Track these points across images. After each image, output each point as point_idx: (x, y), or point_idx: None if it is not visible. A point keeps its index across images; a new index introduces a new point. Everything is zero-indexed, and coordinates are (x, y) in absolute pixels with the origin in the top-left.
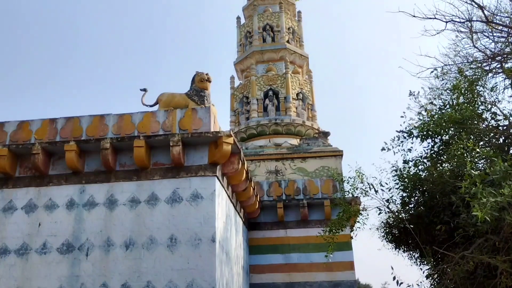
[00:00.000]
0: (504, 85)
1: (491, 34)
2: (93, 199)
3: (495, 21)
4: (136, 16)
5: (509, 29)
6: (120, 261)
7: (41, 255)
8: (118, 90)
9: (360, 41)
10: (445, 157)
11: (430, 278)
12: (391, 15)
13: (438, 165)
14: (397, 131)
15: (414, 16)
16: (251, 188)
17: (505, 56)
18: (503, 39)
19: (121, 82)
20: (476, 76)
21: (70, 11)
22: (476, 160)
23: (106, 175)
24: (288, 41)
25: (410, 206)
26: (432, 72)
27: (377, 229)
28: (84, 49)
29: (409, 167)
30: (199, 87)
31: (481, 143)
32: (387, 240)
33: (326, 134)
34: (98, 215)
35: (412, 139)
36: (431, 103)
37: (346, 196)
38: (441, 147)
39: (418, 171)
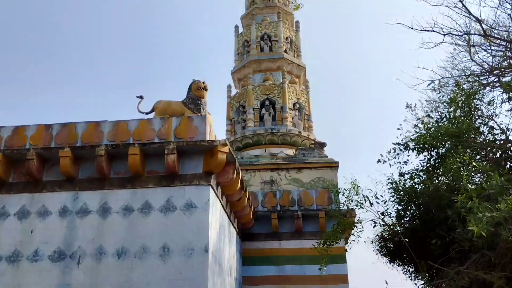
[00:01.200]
0: (502, 99)
1: (489, 47)
2: (87, 207)
3: (493, 34)
4: (132, 22)
5: (507, 43)
6: (112, 270)
7: (33, 263)
8: (114, 96)
9: (358, 52)
10: (441, 170)
11: None
12: (389, 27)
13: (434, 178)
14: (393, 143)
15: (412, 29)
16: (246, 198)
17: (502, 70)
18: (501, 53)
19: (117, 89)
20: (473, 90)
21: (66, 12)
22: (472, 174)
23: (100, 182)
24: (285, 51)
25: (405, 219)
26: (429, 84)
27: (372, 242)
28: (79, 56)
29: (405, 180)
30: (195, 95)
31: (478, 157)
32: (381, 253)
33: (322, 145)
34: (91, 223)
35: (408, 152)
36: (428, 115)
37: (341, 208)
38: (437, 161)
39: (414, 184)
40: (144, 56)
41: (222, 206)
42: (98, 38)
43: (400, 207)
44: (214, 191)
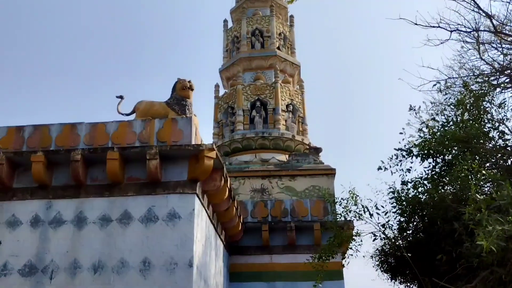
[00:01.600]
0: None
1: (499, 45)
2: (60, 216)
3: (504, 31)
4: (113, 18)
5: None
6: (88, 285)
7: (1, 277)
8: (94, 97)
9: (357, 49)
10: (447, 179)
11: None
12: (391, 22)
13: (440, 187)
14: (395, 149)
15: (416, 24)
16: (234, 208)
17: None
18: None
19: (97, 89)
20: (482, 91)
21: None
22: (481, 183)
23: (75, 190)
24: (278, 48)
25: (408, 232)
26: (434, 85)
27: (372, 257)
28: (60, 52)
29: (408, 189)
30: (180, 96)
31: (487, 164)
32: (382, 269)
33: (317, 150)
34: (65, 234)
35: (412, 158)
36: (433, 119)
37: (338, 220)
38: (443, 168)
39: (417, 194)
40: (124, 53)
41: (209, 216)
42: (78, 33)
43: (402, 219)
44: (200, 200)
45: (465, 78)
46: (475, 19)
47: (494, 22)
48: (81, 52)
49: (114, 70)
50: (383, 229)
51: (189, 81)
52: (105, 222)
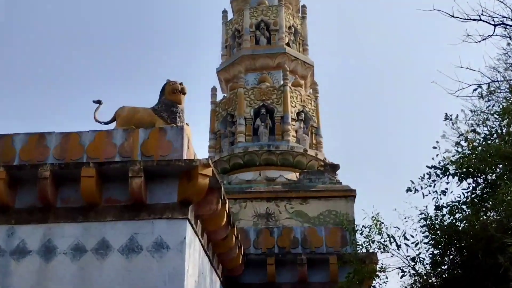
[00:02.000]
0: None
1: None
2: (25, 245)
3: None
4: (87, 9)
5: None
6: None
7: None
8: (66, 102)
9: (382, 46)
10: (490, 203)
11: None
12: (422, 14)
13: (482, 213)
14: (427, 166)
15: (452, 17)
16: (233, 237)
17: None
18: None
19: (70, 93)
20: None
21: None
22: None
23: (43, 213)
24: (288, 44)
25: (443, 267)
26: (475, 90)
27: None
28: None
29: (443, 215)
30: (170, 100)
31: None
32: None
33: (334, 168)
34: (30, 266)
35: (448, 178)
36: (474, 130)
37: (359, 252)
38: (485, 190)
39: (454, 221)
40: (102, 49)
41: (203, 246)
42: (48, 29)
43: (436, 251)
44: (193, 227)
45: None
46: None
47: None
48: (51, 50)
49: (91, 72)
50: (413, 263)
51: (180, 83)
52: (78, 252)
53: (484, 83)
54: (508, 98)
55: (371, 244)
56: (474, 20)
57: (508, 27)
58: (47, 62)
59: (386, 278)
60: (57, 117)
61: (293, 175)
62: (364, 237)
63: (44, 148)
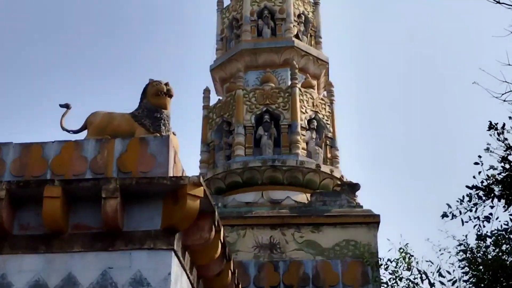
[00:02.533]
0: None
1: None
2: None
3: None
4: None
5: None
6: None
7: None
8: (28, 106)
9: (411, 39)
10: None
11: None
12: (459, 0)
13: None
14: (468, 186)
15: (498, 3)
16: (229, 272)
17: None
18: None
19: (32, 96)
20: None
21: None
22: None
23: None
24: (297, 36)
25: None
26: None
27: None
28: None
29: (487, 247)
30: (153, 105)
31: None
32: None
33: (353, 188)
34: None
35: (493, 201)
36: None
37: None
38: None
39: (500, 254)
40: (71, 44)
41: (192, 284)
42: (43, 24)
43: None
44: (179, 260)
45: None
46: None
47: None
48: (3, 42)
49: (56, 70)
50: None
51: (165, 84)
52: None
53: None
54: None
55: (398, 282)
56: None
57: None
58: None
59: None
60: (15, 125)
61: (303, 197)
62: (390, 273)
63: None
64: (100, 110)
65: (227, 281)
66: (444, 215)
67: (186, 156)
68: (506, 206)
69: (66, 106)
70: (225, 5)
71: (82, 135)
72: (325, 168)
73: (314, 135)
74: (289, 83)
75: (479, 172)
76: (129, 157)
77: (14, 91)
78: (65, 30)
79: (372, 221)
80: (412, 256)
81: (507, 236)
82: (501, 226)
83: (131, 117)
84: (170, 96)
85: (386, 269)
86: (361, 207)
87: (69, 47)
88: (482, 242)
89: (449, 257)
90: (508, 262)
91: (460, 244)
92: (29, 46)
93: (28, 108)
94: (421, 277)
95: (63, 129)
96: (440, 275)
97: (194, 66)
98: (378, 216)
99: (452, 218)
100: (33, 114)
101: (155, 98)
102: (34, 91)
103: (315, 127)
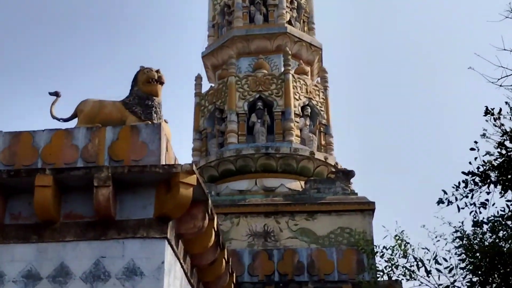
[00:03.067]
0: None
1: None
2: None
3: None
4: None
5: None
6: None
7: None
8: (17, 95)
9: (405, 25)
10: None
11: None
12: None
13: None
14: (463, 172)
15: None
16: (223, 261)
17: None
18: None
19: (22, 83)
20: None
21: None
22: None
23: None
24: (290, 22)
25: None
26: None
27: None
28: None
29: (483, 233)
30: (144, 92)
31: None
32: None
33: (348, 175)
34: None
35: (489, 187)
36: None
37: (379, 279)
38: None
39: (497, 240)
40: (61, 30)
41: (185, 273)
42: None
43: (475, 278)
44: (173, 249)
45: None
46: None
47: None
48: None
49: (45, 56)
50: None
51: (157, 71)
52: (31, 281)
53: None
54: None
55: (394, 269)
56: None
57: None
58: None
59: None
60: (4, 113)
61: (297, 184)
62: (386, 261)
63: None
64: (91, 98)
65: (221, 269)
66: (440, 201)
67: (178, 144)
68: (502, 192)
69: (56, 94)
70: None
71: (73, 123)
72: (319, 155)
73: (308, 122)
74: (282, 69)
75: (475, 158)
76: (121, 145)
77: (2, 78)
78: (54, 16)
79: (367, 208)
80: (408, 243)
81: (503, 223)
82: (498, 212)
83: (122, 104)
84: (162, 83)
85: (381, 256)
86: (356, 194)
87: (59, 34)
88: (478, 228)
89: (446, 244)
90: (505, 249)
91: (456, 231)
92: (17, 33)
93: (17, 96)
94: (417, 265)
95: (53, 117)
96: (437, 262)
97: (186, 53)
98: (373, 203)
99: (448, 205)
100: (22, 102)
101: (146, 86)
102: (23, 79)
103: (309, 114)
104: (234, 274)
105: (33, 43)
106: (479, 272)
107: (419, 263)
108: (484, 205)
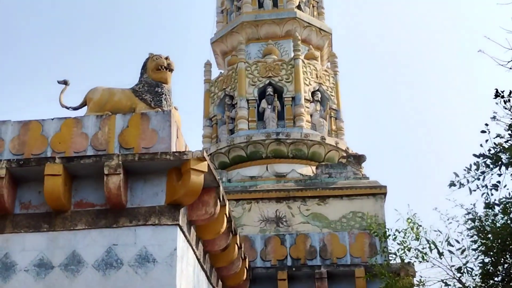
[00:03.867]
0: None
1: None
2: None
3: None
4: None
5: None
6: None
7: None
8: (26, 84)
9: (414, 7)
10: None
11: None
12: None
13: None
14: (475, 155)
15: None
16: (236, 247)
17: None
18: None
19: (31, 72)
20: None
21: None
22: None
23: None
24: (299, 7)
25: (496, 279)
26: None
27: None
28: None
29: (495, 215)
30: (153, 80)
31: None
32: None
33: (359, 159)
34: None
35: (500, 169)
36: None
37: (392, 262)
38: None
39: (509, 221)
40: (69, 18)
41: (198, 259)
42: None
43: (487, 259)
44: (185, 235)
45: None
46: None
47: None
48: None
49: (54, 45)
50: (459, 274)
51: (166, 58)
52: (43, 269)
53: None
54: None
55: (407, 252)
56: None
57: None
58: None
59: None
60: (13, 102)
61: (308, 169)
62: (398, 244)
63: None
64: (100, 86)
65: (234, 255)
66: (452, 184)
67: (188, 131)
68: None
69: (64, 83)
70: None
71: (82, 111)
72: (330, 140)
73: (318, 107)
74: (292, 55)
75: (486, 141)
76: (131, 133)
77: (11, 67)
78: (63, 4)
79: (379, 192)
80: (420, 226)
81: None
82: (509, 194)
83: (131, 92)
84: (171, 70)
85: (394, 239)
86: (368, 178)
87: (67, 22)
88: (490, 210)
89: (458, 226)
90: None
91: (468, 213)
92: (26, 21)
93: (26, 84)
94: (429, 247)
95: (62, 106)
96: (449, 244)
97: (195, 40)
98: (385, 187)
99: (459, 187)
100: (31, 91)
101: (155, 73)
102: (32, 67)
103: (319, 99)
104: (247, 260)
105: (42, 31)
106: (491, 253)
107: (432, 245)
108: (495, 187)
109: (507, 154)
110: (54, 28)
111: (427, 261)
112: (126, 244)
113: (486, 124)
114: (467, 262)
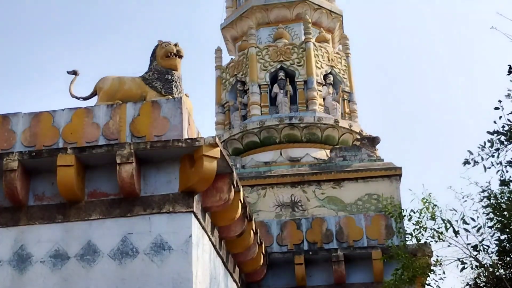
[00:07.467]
0: None
1: None
2: None
3: None
4: None
5: None
6: None
7: None
8: (35, 74)
9: None
10: None
11: None
12: None
13: None
14: (489, 132)
15: None
16: (252, 233)
17: None
18: None
19: (40, 62)
20: None
21: None
22: None
23: (12, 214)
24: None
25: None
26: None
27: None
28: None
29: (510, 192)
30: (163, 67)
31: None
32: None
33: (373, 141)
34: (1, 279)
35: None
36: None
37: (408, 243)
38: None
39: None
40: (78, 5)
41: (214, 246)
42: None
43: (503, 236)
44: (200, 222)
45: None
46: None
47: None
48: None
49: (62, 34)
50: (475, 253)
51: (175, 45)
52: (59, 260)
53: None
54: None
55: (423, 232)
56: None
57: None
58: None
59: (443, 273)
60: (23, 94)
61: (322, 153)
62: (414, 224)
63: (9, 133)
64: (109, 75)
65: (250, 241)
66: (466, 162)
67: (201, 118)
68: None
69: (74, 73)
70: None
71: (92, 101)
72: (344, 123)
73: (331, 90)
74: (303, 38)
75: (500, 117)
76: (142, 121)
77: (21, 59)
78: None
79: (393, 173)
80: (436, 205)
81: None
82: None
83: (141, 80)
84: (180, 57)
85: (409, 220)
86: (382, 160)
87: (75, 11)
88: (505, 187)
89: (473, 204)
90: None
91: (483, 191)
92: (34, 12)
93: (35, 76)
94: (445, 226)
95: (73, 96)
96: (465, 222)
97: (204, 25)
98: (400, 168)
99: (474, 165)
100: (41, 82)
101: (165, 60)
102: (41, 58)
103: (332, 82)
104: (263, 245)
105: (51, 23)
106: (507, 230)
107: (447, 224)
108: (510, 163)
109: None
110: (63, 18)
111: (443, 241)
112: (141, 232)
113: (500, 101)
114: (483, 240)
